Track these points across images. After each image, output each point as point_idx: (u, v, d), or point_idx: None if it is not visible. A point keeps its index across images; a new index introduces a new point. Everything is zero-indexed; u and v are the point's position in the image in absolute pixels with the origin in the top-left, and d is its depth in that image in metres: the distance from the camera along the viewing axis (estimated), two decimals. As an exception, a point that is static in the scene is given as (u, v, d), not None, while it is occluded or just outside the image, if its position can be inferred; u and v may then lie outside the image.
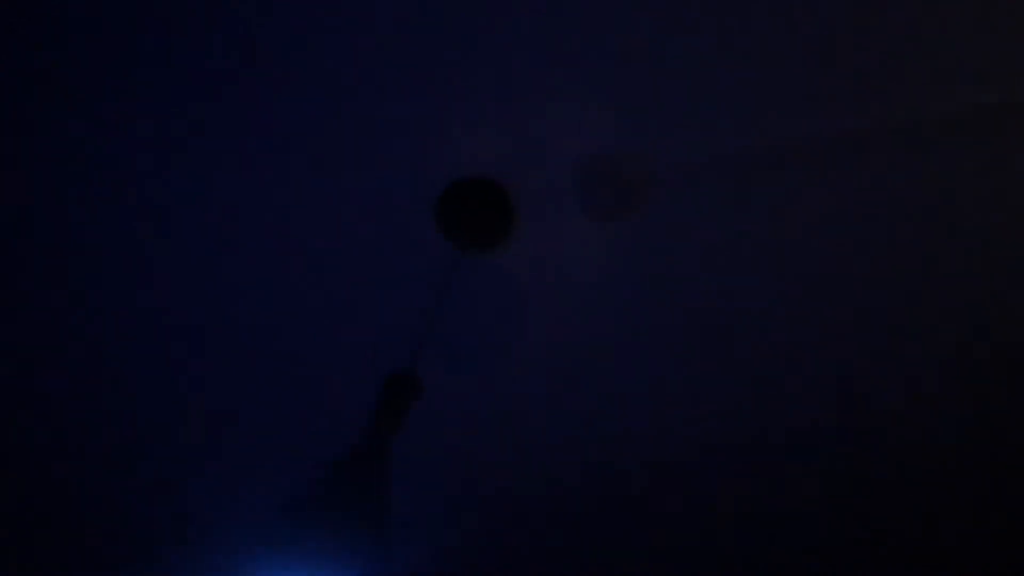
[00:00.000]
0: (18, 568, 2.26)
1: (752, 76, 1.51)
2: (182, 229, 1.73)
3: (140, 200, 1.70)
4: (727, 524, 2.11)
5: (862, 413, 1.91)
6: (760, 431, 1.94)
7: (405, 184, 1.67)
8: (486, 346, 1.85)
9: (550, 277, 1.75)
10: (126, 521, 2.17)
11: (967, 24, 1.44)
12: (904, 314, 1.76)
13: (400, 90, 1.56)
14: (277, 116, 1.59)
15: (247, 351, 1.90)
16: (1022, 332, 1.75)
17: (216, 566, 2.23)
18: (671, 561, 2.19)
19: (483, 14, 1.47)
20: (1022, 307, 1.72)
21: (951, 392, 1.85)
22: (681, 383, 1.88)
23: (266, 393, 1.96)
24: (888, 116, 1.54)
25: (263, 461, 2.06)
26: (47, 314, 1.84)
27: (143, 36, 1.51)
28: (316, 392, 1.95)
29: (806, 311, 1.75)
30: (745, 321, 1.79)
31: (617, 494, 2.07)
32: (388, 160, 1.64)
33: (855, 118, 1.55)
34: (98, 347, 1.89)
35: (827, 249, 1.70)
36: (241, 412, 1.99)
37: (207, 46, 1.52)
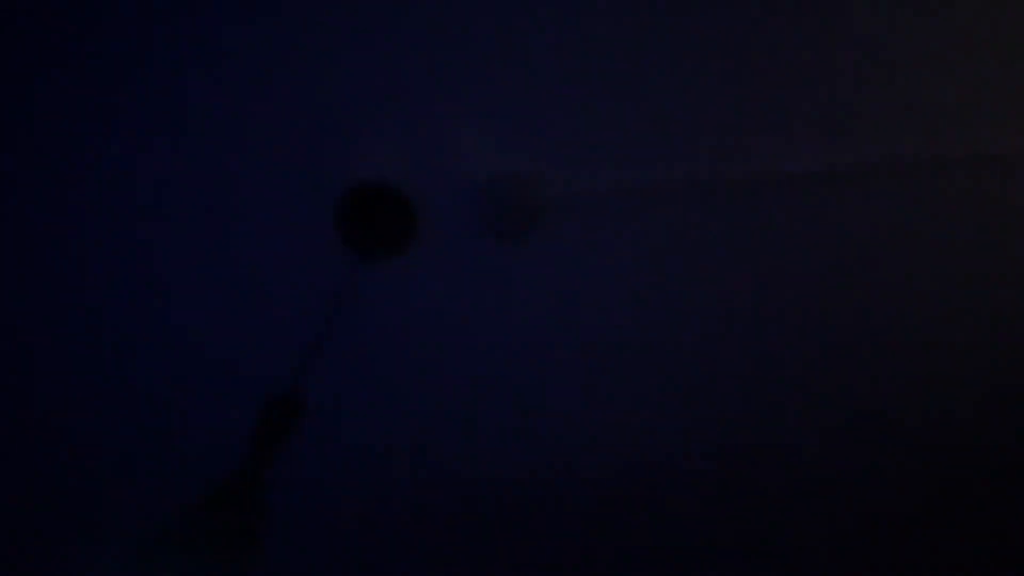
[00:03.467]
0: None
1: (661, 110, 1.54)
2: (62, 230, 1.59)
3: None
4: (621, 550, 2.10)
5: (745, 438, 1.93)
6: (648, 455, 1.95)
7: (307, 186, 1.58)
8: (376, 360, 1.77)
9: (446, 290, 1.69)
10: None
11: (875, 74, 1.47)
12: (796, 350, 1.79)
13: (310, 91, 1.52)
14: (174, 108, 1.48)
15: (115, 362, 1.75)
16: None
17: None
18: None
19: (412, 30, 1.46)
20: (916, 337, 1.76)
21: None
22: (570, 400, 1.87)
23: (136, 411, 1.81)
24: (784, 159, 1.58)
25: (124, 491, 1.91)
26: None
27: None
28: (192, 412, 1.81)
29: (696, 339, 1.77)
30: (634, 347, 1.79)
31: (505, 513, 2.02)
32: (292, 161, 1.56)
33: (761, 160, 1.58)
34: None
35: (721, 280, 1.72)
36: (107, 432, 1.84)
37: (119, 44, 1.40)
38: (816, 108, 1.52)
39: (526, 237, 1.64)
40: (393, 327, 1.75)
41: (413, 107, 1.52)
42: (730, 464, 1.97)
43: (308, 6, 1.42)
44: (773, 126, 1.53)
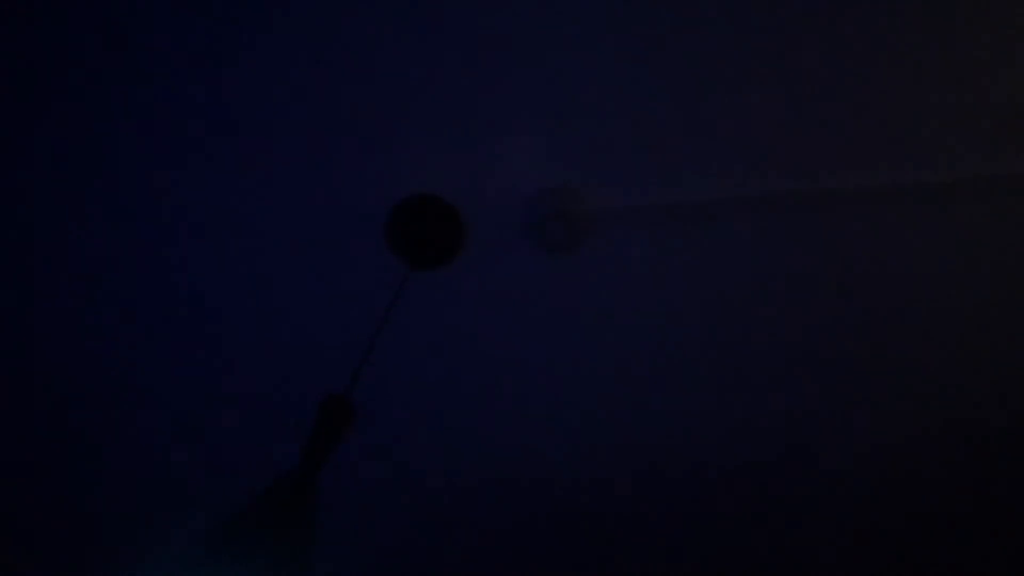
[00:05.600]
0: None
1: (710, 123, 1.55)
2: (128, 229, 1.66)
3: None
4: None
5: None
6: (687, 468, 1.97)
7: (359, 198, 1.63)
8: (425, 366, 1.81)
9: (494, 299, 1.73)
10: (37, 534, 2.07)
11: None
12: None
13: (362, 104, 1.56)
14: (230, 123, 1.54)
15: (180, 364, 1.82)
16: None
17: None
18: None
19: (463, 42, 1.50)
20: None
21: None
22: (614, 410, 1.88)
23: (198, 418, 1.88)
24: (833, 175, 1.59)
25: (188, 484, 1.98)
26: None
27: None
28: (250, 413, 1.88)
29: (739, 355, 1.78)
30: (677, 358, 1.81)
31: (561, 510, 2.05)
32: (343, 173, 1.61)
33: (810, 176, 1.60)
34: None
35: (770, 295, 1.72)
36: (170, 430, 1.91)
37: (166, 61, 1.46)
38: (870, 123, 1.53)
39: (573, 249, 1.67)
40: (441, 335, 1.79)
41: (463, 119, 1.56)
42: (765, 473, 1.97)
43: (364, 21, 1.47)
44: (822, 142, 1.54)
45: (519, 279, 1.72)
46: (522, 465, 1.98)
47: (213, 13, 1.44)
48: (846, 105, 1.51)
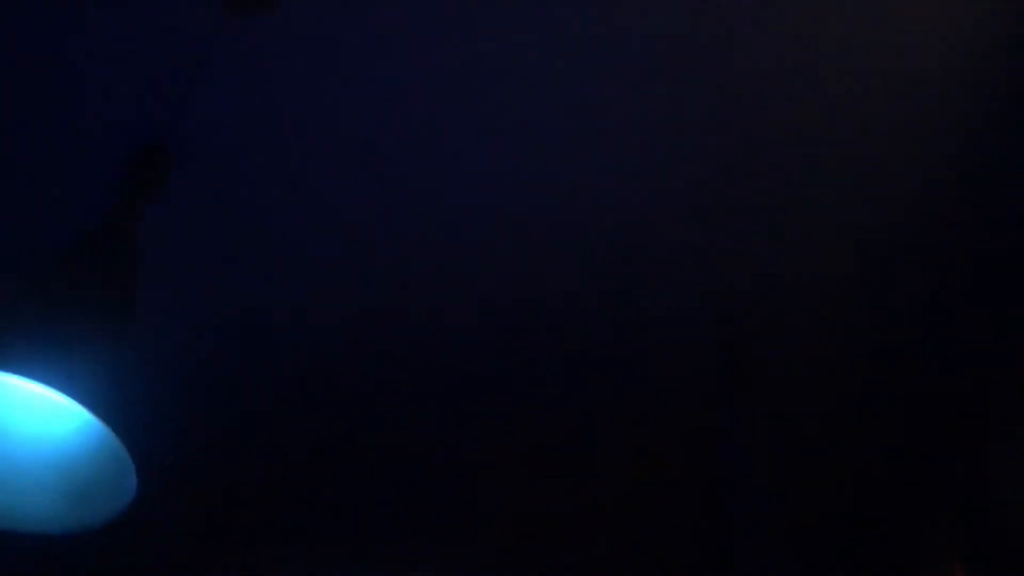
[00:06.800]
0: None
1: None
2: None
3: None
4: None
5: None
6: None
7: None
8: (245, 115, 1.72)
9: (315, 44, 1.63)
10: None
11: None
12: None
13: None
14: None
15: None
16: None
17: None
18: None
19: None
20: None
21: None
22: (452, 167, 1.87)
23: (12, 160, 1.73)
24: None
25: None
26: None
27: None
28: (63, 163, 1.75)
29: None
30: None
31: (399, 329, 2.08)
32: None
33: None
34: None
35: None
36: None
37: None
38: None
39: None
40: (260, 82, 1.69)
41: None
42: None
43: None
44: None
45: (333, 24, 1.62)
46: (329, 209, 1.91)
47: None
48: None
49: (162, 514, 2.64)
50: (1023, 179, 1.85)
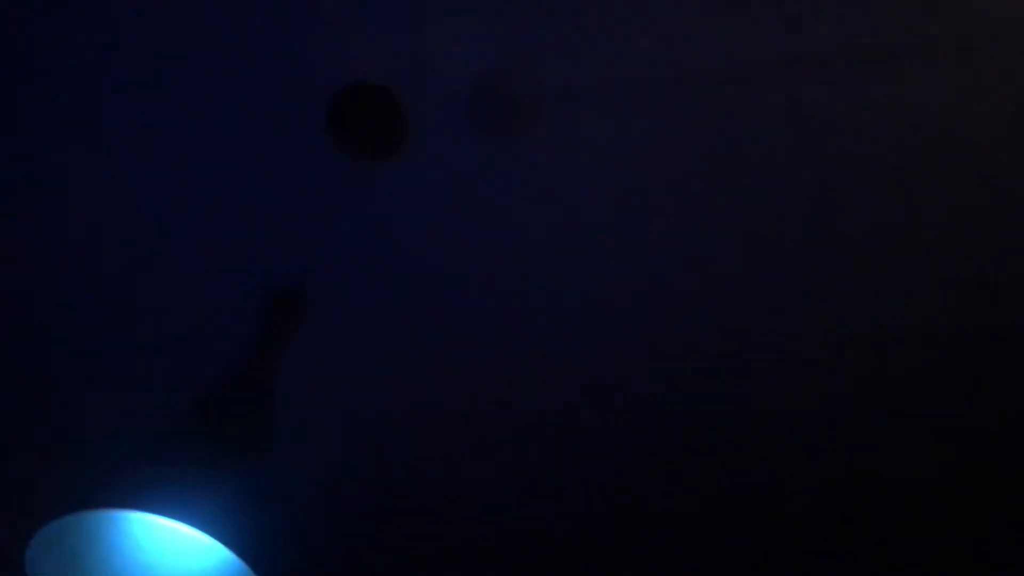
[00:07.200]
0: None
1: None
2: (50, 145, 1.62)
3: None
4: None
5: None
6: (636, 352, 1.96)
7: (296, 88, 1.59)
8: (375, 259, 1.82)
9: (442, 189, 1.72)
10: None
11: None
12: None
13: None
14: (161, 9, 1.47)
15: (122, 264, 1.81)
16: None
17: (93, 485, 2.20)
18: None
19: None
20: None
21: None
22: (573, 295, 1.89)
23: (143, 310, 1.89)
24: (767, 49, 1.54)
25: (140, 383, 2.01)
26: None
27: None
28: (197, 312, 1.89)
29: (697, 240, 1.76)
30: (629, 244, 1.79)
31: (499, 401, 2.10)
32: (280, 64, 1.55)
33: (746, 49, 1.54)
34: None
35: (715, 176, 1.70)
36: (117, 331, 1.93)
37: None
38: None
39: (519, 133, 1.63)
40: (390, 228, 1.78)
41: (399, 6, 1.47)
42: (706, 378, 1.96)
43: None
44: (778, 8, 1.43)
45: (465, 166, 1.68)
46: (472, 350, 1.96)
47: None
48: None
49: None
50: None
